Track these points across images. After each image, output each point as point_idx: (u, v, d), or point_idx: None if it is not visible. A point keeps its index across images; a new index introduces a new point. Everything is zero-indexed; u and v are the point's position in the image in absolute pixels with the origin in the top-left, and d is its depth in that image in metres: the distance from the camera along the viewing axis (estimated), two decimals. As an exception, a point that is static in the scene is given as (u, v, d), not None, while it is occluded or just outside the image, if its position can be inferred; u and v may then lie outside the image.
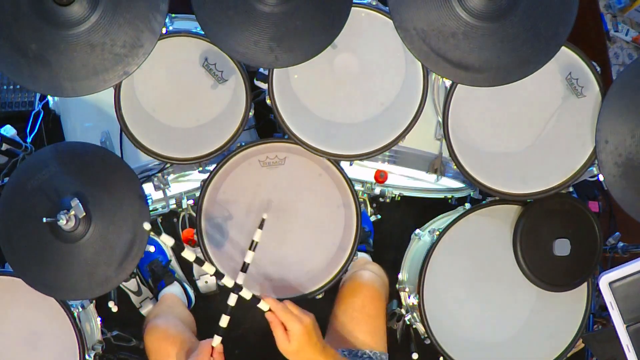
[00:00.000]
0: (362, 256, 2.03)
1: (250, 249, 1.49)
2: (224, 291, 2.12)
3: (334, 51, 1.62)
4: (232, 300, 1.41)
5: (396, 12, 1.44)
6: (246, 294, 1.39)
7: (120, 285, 2.03)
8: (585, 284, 1.71)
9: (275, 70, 1.58)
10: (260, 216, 1.67)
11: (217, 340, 1.40)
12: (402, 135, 1.62)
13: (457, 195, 2.02)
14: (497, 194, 1.66)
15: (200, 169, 1.74)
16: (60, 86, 1.42)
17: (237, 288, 1.40)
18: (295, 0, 1.45)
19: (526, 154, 1.68)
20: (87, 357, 1.59)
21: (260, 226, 1.51)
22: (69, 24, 1.38)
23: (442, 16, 1.43)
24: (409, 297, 1.79)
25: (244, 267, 1.48)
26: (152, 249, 1.98)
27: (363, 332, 1.60)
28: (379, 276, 1.74)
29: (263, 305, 1.38)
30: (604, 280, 1.37)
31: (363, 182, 1.93)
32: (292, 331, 1.33)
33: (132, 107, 1.62)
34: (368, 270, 1.73)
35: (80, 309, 1.62)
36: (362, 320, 1.61)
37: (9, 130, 2.12)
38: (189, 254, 1.35)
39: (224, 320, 1.41)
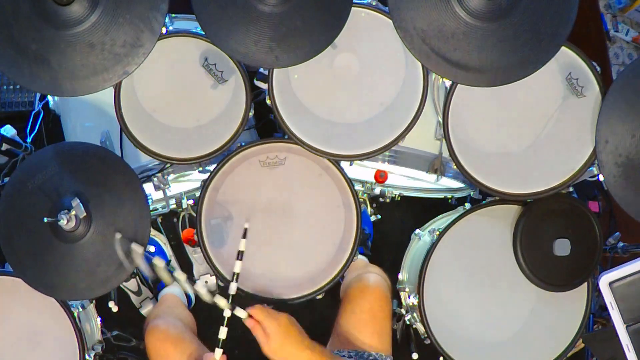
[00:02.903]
0: (361, 258, 2.02)
1: (237, 258, 1.47)
2: (223, 291, 2.13)
3: (334, 51, 1.62)
4: (227, 313, 1.42)
5: (396, 12, 1.44)
6: (224, 303, 1.40)
7: (120, 285, 2.03)
8: (585, 284, 1.71)
9: (275, 70, 1.58)
10: (260, 216, 1.67)
11: (218, 353, 1.41)
12: (402, 135, 1.62)
13: (457, 195, 2.02)
14: (497, 194, 1.66)
15: (200, 169, 1.74)
16: (60, 86, 1.42)
17: (232, 304, 1.41)
18: (295, 0, 1.45)
19: (526, 154, 1.68)
20: (87, 357, 1.59)
21: (244, 235, 1.48)
22: (68, 24, 1.38)
23: (442, 16, 1.43)
24: (409, 297, 1.79)
25: (235, 277, 1.46)
26: (152, 249, 1.98)
27: (370, 334, 1.59)
28: (384, 279, 1.74)
29: (240, 313, 1.39)
30: (604, 280, 1.37)
31: (363, 182, 1.93)
32: (269, 329, 1.36)
33: (132, 107, 1.62)
34: (374, 274, 1.73)
35: (80, 309, 1.62)
36: (369, 322, 1.61)
37: (9, 130, 2.11)
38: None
39: (223, 332, 1.42)
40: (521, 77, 1.46)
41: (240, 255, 1.46)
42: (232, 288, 1.46)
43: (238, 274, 1.46)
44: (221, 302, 1.39)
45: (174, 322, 1.72)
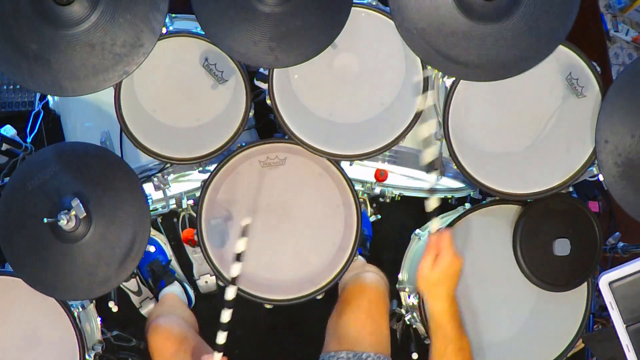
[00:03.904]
0: (359, 259, 2.02)
1: (238, 259, 1.28)
2: (224, 291, 2.13)
3: (334, 51, 1.62)
4: (225, 316, 1.31)
5: (397, 12, 1.44)
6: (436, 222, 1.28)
7: (121, 285, 2.03)
8: (585, 284, 1.71)
9: (275, 70, 1.58)
10: (260, 216, 1.67)
11: (217, 357, 1.32)
12: (402, 135, 1.62)
13: (457, 195, 2.02)
14: (497, 194, 1.66)
15: (201, 169, 1.74)
16: (60, 86, 1.42)
17: (227, 303, 1.30)
18: (295, 0, 1.45)
19: (526, 154, 1.68)
20: (87, 357, 1.59)
21: (244, 233, 1.27)
22: (69, 24, 1.38)
23: (442, 16, 1.42)
24: (409, 297, 1.79)
25: (234, 281, 1.30)
26: (152, 249, 1.99)
27: (367, 334, 1.59)
28: (382, 278, 1.74)
29: (435, 223, 1.29)
30: (604, 280, 1.37)
31: (363, 182, 1.93)
32: (443, 260, 1.27)
33: (132, 107, 1.62)
34: (371, 273, 1.73)
35: (80, 309, 1.62)
36: (367, 323, 1.61)
37: (9, 130, 2.11)
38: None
39: (222, 337, 1.32)
40: (521, 71, 1.46)
41: (239, 256, 1.28)
42: (230, 292, 1.31)
43: (236, 277, 1.31)
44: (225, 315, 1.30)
45: (176, 320, 1.72)
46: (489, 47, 1.44)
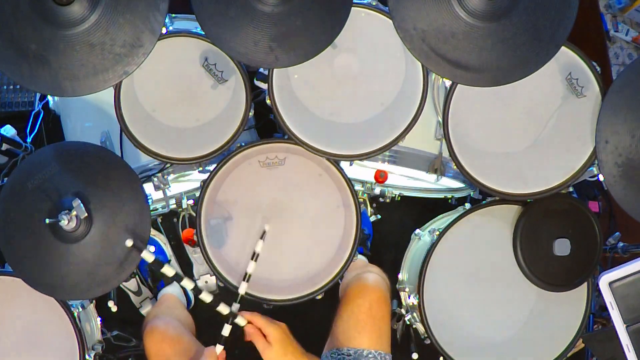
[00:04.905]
0: (360, 258, 2.03)
1: (252, 259, 1.52)
2: (224, 291, 2.13)
3: (334, 51, 1.62)
4: (225, 309, 1.47)
5: (396, 12, 1.44)
6: (223, 309, 1.44)
7: (120, 285, 2.03)
8: (585, 284, 1.71)
9: (275, 70, 1.58)
10: (260, 217, 1.67)
11: (219, 348, 1.45)
12: (402, 135, 1.62)
13: (457, 195, 2.02)
14: (497, 194, 1.66)
15: (200, 169, 1.74)
16: (60, 86, 1.42)
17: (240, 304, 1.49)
18: (295, 0, 1.45)
19: (526, 154, 1.68)
20: (87, 357, 1.59)
21: (262, 237, 1.54)
22: (68, 24, 1.38)
23: (442, 16, 1.43)
24: (409, 297, 1.79)
25: (247, 277, 1.51)
26: (152, 249, 1.98)
27: (369, 334, 1.59)
28: (383, 279, 1.74)
29: (239, 321, 1.44)
30: (604, 280, 1.37)
31: (363, 182, 1.93)
32: (272, 335, 1.41)
33: (132, 107, 1.62)
34: (373, 273, 1.73)
35: (80, 309, 1.62)
36: (368, 322, 1.61)
37: (9, 130, 2.12)
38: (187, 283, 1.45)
39: (226, 330, 1.46)
40: (521, 77, 1.46)
41: (255, 256, 1.51)
42: (243, 288, 1.50)
43: (250, 274, 1.52)
44: (224, 309, 1.44)
45: (172, 322, 1.72)
46: (489, 49, 1.43)
